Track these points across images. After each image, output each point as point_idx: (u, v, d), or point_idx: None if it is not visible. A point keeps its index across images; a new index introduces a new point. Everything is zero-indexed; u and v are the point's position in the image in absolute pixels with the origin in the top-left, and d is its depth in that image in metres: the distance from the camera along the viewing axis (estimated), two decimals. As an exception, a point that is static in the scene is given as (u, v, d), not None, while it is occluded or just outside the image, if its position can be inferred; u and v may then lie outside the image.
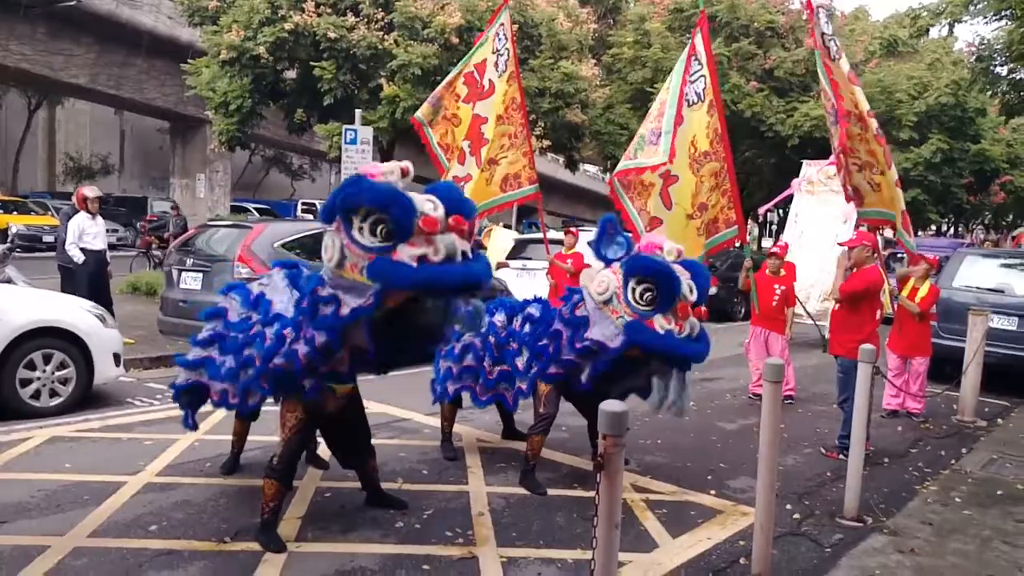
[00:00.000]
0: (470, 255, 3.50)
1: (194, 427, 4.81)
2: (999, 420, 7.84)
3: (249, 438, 5.08)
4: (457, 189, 3.88)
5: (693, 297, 4.45)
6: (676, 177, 6.64)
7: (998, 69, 15.88)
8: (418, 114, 7.99)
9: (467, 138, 7.60)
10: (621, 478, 2.63)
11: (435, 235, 3.38)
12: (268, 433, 5.25)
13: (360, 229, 3.42)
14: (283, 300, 4.00)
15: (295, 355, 3.66)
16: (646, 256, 4.52)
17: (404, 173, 3.55)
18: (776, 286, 7.90)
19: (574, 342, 4.71)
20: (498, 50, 7.54)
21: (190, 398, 4.63)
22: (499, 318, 5.30)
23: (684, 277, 4.44)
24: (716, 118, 6.59)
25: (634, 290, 4.47)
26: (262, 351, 3.82)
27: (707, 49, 6.68)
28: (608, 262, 4.75)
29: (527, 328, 5.07)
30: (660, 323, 4.39)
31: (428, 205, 3.43)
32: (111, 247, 10.17)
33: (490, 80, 7.57)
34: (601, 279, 4.65)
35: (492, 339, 5.23)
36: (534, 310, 5.17)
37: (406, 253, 3.35)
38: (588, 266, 8.51)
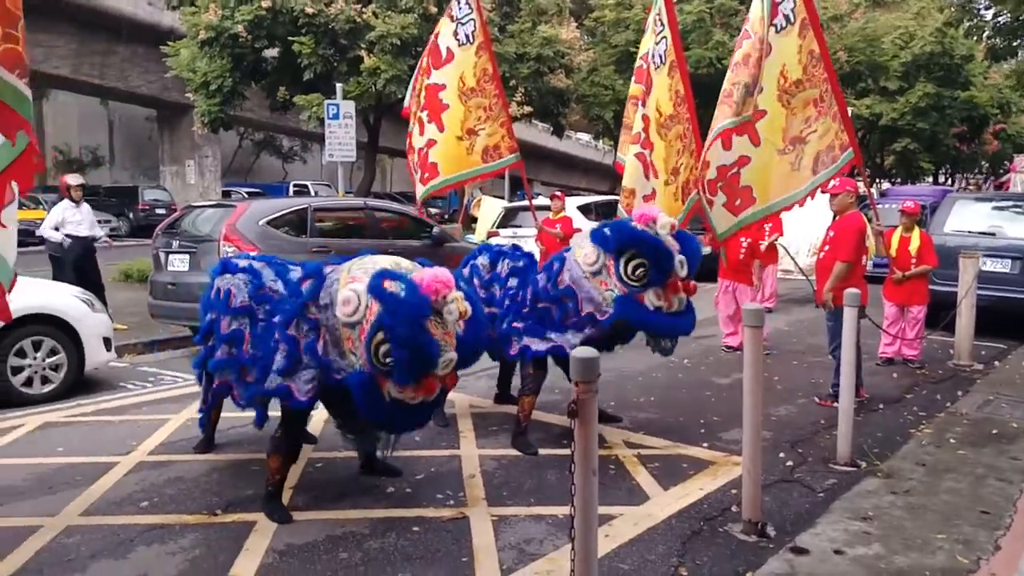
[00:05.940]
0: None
1: None
2: (996, 363, 7.81)
3: (239, 413, 5.01)
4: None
5: (684, 272, 4.49)
6: (652, 143, 6.38)
7: (983, 12, 15.75)
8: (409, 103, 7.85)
9: (424, 108, 7.33)
10: (596, 424, 2.61)
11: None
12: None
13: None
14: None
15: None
16: (639, 230, 4.47)
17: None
18: (742, 239, 7.79)
19: (563, 319, 4.67)
20: (459, 19, 7.26)
21: None
22: (482, 260, 5.24)
23: (676, 251, 4.45)
24: (678, 80, 6.28)
25: (626, 265, 4.45)
26: None
27: (669, 8, 6.39)
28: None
29: (512, 282, 5.01)
30: (651, 299, 4.43)
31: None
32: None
33: (448, 48, 7.25)
34: (589, 251, 4.60)
35: (476, 281, 5.14)
36: (519, 262, 5.11)
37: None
38: (579, 230, 8.43)
